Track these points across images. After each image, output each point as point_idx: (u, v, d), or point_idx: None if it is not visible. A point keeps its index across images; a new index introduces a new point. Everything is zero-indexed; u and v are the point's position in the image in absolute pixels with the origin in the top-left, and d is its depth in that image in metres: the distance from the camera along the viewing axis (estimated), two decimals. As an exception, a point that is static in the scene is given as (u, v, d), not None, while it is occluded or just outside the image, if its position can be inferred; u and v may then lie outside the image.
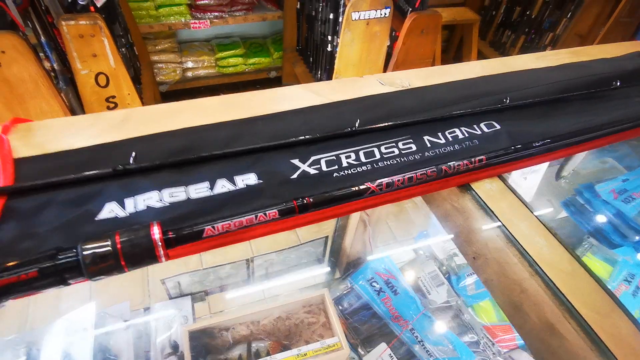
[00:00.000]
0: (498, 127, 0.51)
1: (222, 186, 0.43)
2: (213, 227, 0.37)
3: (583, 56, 0.70)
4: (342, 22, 1.81)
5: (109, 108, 1.83)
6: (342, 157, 0.47)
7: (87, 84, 1.72)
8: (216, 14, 2.18)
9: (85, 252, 0.32)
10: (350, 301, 0.82)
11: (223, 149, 0.46)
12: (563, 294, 0.37)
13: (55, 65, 1.79)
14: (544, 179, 0.74)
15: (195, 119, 0.50)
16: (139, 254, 0.34)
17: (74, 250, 0.32)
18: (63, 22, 1.54)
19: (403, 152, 0.48)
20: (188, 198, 0.41)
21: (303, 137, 0.46)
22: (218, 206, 0.41)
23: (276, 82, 2.54)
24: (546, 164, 0.71)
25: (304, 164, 0.46)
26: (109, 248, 0.33)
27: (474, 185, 0.45)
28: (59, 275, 0.32)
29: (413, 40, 1.70)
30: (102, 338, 0.73)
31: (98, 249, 0.33)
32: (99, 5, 1.67)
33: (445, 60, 2.17)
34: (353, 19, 1.63)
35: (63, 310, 0.74)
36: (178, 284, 0.79)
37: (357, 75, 2.00)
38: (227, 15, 2.20)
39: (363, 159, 0.47)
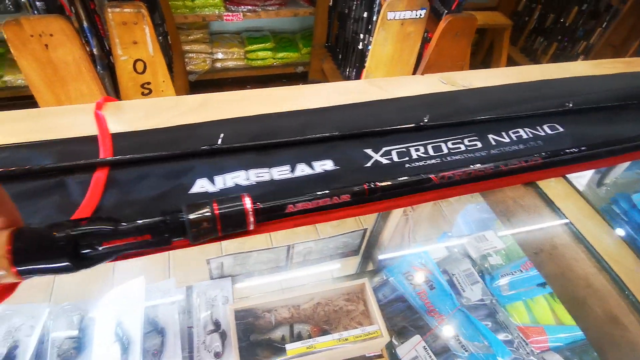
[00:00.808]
0: (561, 129, 0.53)
1: (302, 170, 0.45)
2: (294, 205, 0.39)
3: (637, 67, 0.71)
4: (375, 21, 1.83)
5: (143, 94, 1.88)
6: (412, 149, 0.49)
7: (125, 70, 1.77)
8: (249, 7, 2.21)
9: (190, 216, 0.35)
10: (385, 292, 0.84)
11: (298, 135, 0.48)
12: (629, 289, 0.38)
13: (94, 50, 1.84)
14: (584, 185, 0.75)
15: (266, 107, 0.53)
16: (232, 221, 0.36)
17: (181, 213, 0.35)
18: (109, 9, 1.58)
19: (469, 148, 0.50)
20: (272, 179, 0.44)
21: (380, 129, 0.49)
22: (299, 188, 0.44)
23: (302, 78, 2.57)
24: (591, 170, 0.72)
25: (376, 153, 0.48)
26: (209, 213, 0.36)
27: (540, 184, 0.47)
28: (166, 236, 0.35)
29: (446, 42, 1.70)
30: (150, 310, 0.77)
31: (200, 214, 0.35)
32: (142, -7, 1.71)
33: (472, 64, 2.17)
34: (388, 18, 1.65)
35: (115, 283, 0.78)
36: (221, 265, 0.82)
37: (388, 75, 2.02)
38: (260, 9, 2.23)
39: (431, 153, 0.49)
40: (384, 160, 0.47)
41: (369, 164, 0.47)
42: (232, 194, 0.42)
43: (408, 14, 1.63)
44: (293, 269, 0.89)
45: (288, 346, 0.67)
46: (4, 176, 0.41)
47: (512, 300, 0.87)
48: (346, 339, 0.68)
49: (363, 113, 0.53)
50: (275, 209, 0.38)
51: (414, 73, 1.87)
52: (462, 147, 0.50)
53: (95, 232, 0.33)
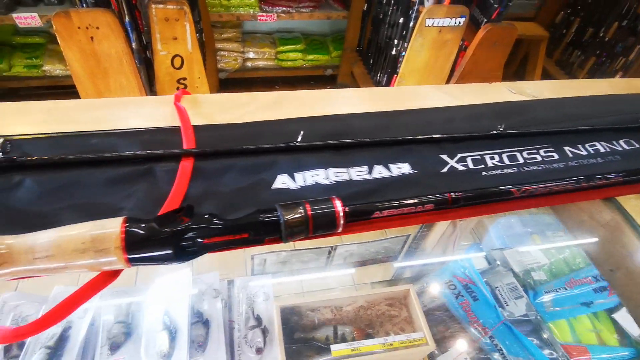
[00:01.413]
0: (637, 145, 0.52)
1: (379, 172, 0.45)
2: (380, 211, 0.39)
3: None
4: (412, 27, 1.83)
5: (178, 89, 1.91)
6: (487, 157, 0.48)
7: (163, 65, 1.80)
8: (284, 8, 2.24)
9: (286, 217, 0.36)
10: (425, 301, 0.83)
11: (372, 136, 0.49)
12: None
13: (133, 45, 1.88)
14: None
15: (342, 107, 0.53)
16: (323, 222, 0.37)
17: (276, 213, 0.36)
18: (153, 5, 1.62)
19: (545, 159, 0.49)
20: (350, 179, 0.44)
21: (455, 135, 0.49)
22: (377, 189, 0.44)
23: (331, 80, 2.58)
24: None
25: (451, 159, 0.48)
26: (302, 214, 0.36)
27: (620, 200, 0.46)
28: (261, 235, 0.36)
29: (483, 51, 1.69)
30: (195, 301, 0.78)
31: (294, 214, 0.36)
32: (184, -9, 1.74)
33: (505, 75, 2.15)
34: (426, 24, 1.64)
35: (162, 271, 0.80)
36: (264, 262, 0.83)
37: (421, 82, 2.01)
38: (293, 11, 2.25)
39: (507, 162, 0.48)
40: (460, 167, 0.47)
41: (445, 170, 0.47)
42: (313, 192, 0.43)
43: (447, 21, 1.62)
44: (332, 270, 0.89)
45: (333, 347, 0.67)
46: (98, 161, 0.42)
47: (555, 317, 0.85)
48: (391, 344, 0.68)
49: (435, 118, 0.53)
50: (363, 213, 0.38)
51: (447, 81, 1.86)
52: (538, 158, 0.49)
53: (200, 229, 0.34)
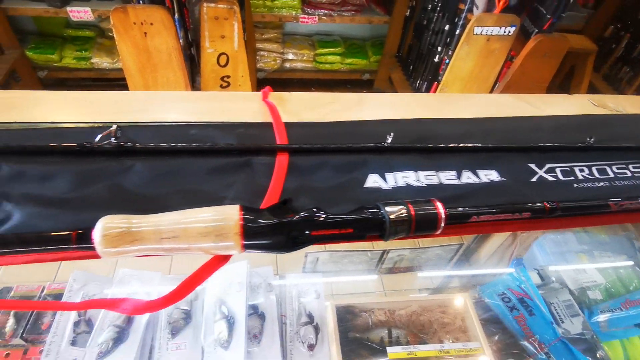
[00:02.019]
0: None
1: (468, 177, 0.45)
2: (477, 215, 0.40)
3: None
4: (458, 34, 1.81)
5: (221, 87, 1.96)
6: (576, 169, 0.48)
7: (209, 62, 1.85)
8: (326, 11, 2.26)
9: (390, 215, 0.36)
10: (477, 311, 0.82)
11: (458, 142, 0.49)
12: None
13: (181, 41, 1.93)
14: None
15: (418, 111, 0.54)
16: (425, 223, 0.37)
17: (380, 211, 0.37)
18: (204, 4, 1.67)
19: (635, 175, 0.48)
20: (440, 183, 0.45)
21: (544, 145, 0.48)
22: (466, 195, 0.44)
23: (367, 85, 2.58)
24: None
25: (540, 169, 0.47)
26: (406, 214, 0.37)
27: None
28: (364, 231, 0.37)
29: (532, 63, 1.65)
30: (249, 293, 0.80)
31: (398, 213, 0.37)
32: (236, -8, 1.78)
33: (549, 88, 2.09)
34: (474, 33, 1.62)
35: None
36: (316, 260, 0.84)
37: (464, 91, 1.98)
38: (335, 14, 2.27)
39: (597, 175, 0.47)
40: (549, 177, 0.47)
41: (534, 179, 0.46)
42: (403, 193, 0.43)
43: (496, 30, 1.60)
44: (381, 274, 0.89)
45: (389, 349, 0.67)
46: (201, 150, 0.44)
47: (609, 338, 0.82)
48: (447, 352, 0.67)
49: (520, 127, 0.53)
50: (461, 216, 0.39)
51: (490, 91, 1.83)
52: (628, 173, 0.48)
53: (310, 222, 0.35)
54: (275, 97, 0.54)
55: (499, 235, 0.80)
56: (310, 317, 0.79)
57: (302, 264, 0.86)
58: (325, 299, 0.78)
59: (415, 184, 0.44)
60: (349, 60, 2.45)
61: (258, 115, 0.50)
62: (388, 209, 0.37)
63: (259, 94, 0.53)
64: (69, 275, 0.80)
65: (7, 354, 0.71)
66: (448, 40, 1.90)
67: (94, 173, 0.40)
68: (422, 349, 0.67)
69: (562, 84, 2.31)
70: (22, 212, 0.36)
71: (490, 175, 0.46)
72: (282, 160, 0.44)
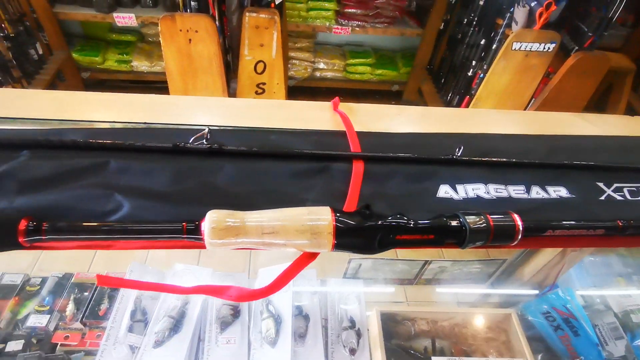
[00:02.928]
0: None
1: (537, 192, 0.47)
2: (553, 230, 0.41)
3: None
4: (494, 49, 1.81)
5: (257, 93, 2.01)
6: (645, 190, 0.48)
7: (246, 69, 1.91)
8: (359, 22, 2.30)
9: (471, 225, 0.38)
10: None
11: (521, 157, 0.50)
12: None
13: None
14: None
15: (479, 125, 0.56)
16: (502, 234, 0.39)
17: (459, 219, 0.38)
18: (247, 13, 1.73)
19: None
20: (510, 196, 0.46)
21: (611, 164, 0.49)
22: (536, 209, 0.45)
23: (396, 96, 2.60)
24: None
25: (608, 188, 0.48)
26: (485, 224, 0.38)
27: None
28: (444, 238, 0.38)
29: (571, 80, 1.64)
30: (296, 295, 0.82)
31: (477, 222, 0.38)
32: (277, 2, 1.85)
33: (585, 106, 2.05)
34: (512, 48, 1.62)
35: (267, 262, 0.84)
36: (358, 266, 0.86)
37: (498, 106, 1.97)
38: (368, 26, 2.31)
39: (666, 196, 0.48)
40: (617, 197, 0.47)
41: (602, 198, 0.47)
42: (475, 205, 0.45)
43: (535, 46, 1.59)
44: (419, 284, 0.90)
45: (434, 359, 0.68)
46: (283, 155, 0.47)
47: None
48: (492, 367, 0.67)
49: (585, 145, 0.54)
50: (537, 229, 0.40)
51: (525, 108, 1.82)
52: (698, 196, 0.48)
53: (397, 226, 0.37)
54: (343, 107, 0.57)
55: (545, 252, 0.80)
56: (352, 322, 0.81)
57: (343, 269, 0.87)
58: (366, 306, 0.79)
59: (486, 196, 0.46)
60: (379, 71, 2.47)
61: (329, 124, 0.53)
62: (468, 218, 0.38)
63: (328, 104, 0.56)
64: (122, 266, 0.85)
65: (67, 337, 0.76)
66: (483, 54, 1.91)
67: (189, 171, 0.44)
68: (467, 361, 0.68)
69: (598, 102, 2.27)
70: (130, 203, 0.40)
71: (559, 192, 0.47)
72: (358, 167, 0.47)
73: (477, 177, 0.47)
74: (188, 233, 0.36)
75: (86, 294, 0.80)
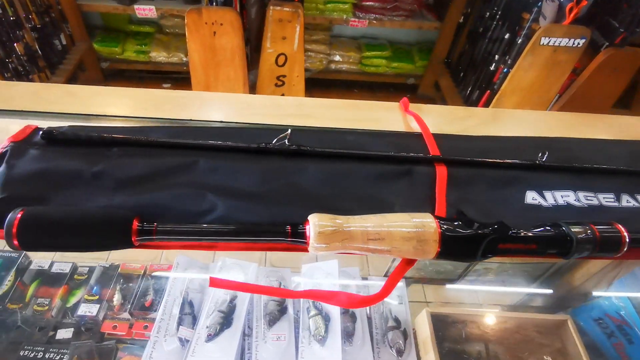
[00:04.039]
0: None
1: (627, 201, 0.46)
2: None
3: None
4: (519, 43, 1.78)
5: (276, 85, 1.99)
6: None
7: (267, 62, 1.88)
8: (376, 15, 2.26)
9: (578, 235, 0.37)
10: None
11: (605, 163, 0.49)
12: None
13: (239, 41, 1.95)
14: None
15: (555, 129, 0.54)
16: (608, 245, 0.38)
17: (563, 229, 0.37)
18: (271, 7, 1.70)
19: None
20: (600, 204, 0.45)
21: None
22: (628, 219, 0.44)
23: (411, 90, 2.57)
24: None
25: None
26: (591, 235, 0.37)
27: None
28: (547, 248, 0.37)
29: (600, 77, 1.61)
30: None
31: (583, 233, 0.37)
32: (294, -5, 1.81)
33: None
34: (541, 43, 1.59)
35: (311, 259, 0.84)
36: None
37: (523, 101, 1.94)
38: (386, 19, 2.27)
39: None
40: None
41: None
42: (565, 212, 0.44)
43: (564, 42, 1.56)
44: (462, 284, 0.89)
45: (490, 363, 0.68)
46: (365, 157, 0.46)
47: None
48: (550, 372, 0.67)
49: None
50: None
51: (550, 104, 1.79)
52: None
53: (501, 235, 0.36)
54: (413, 108, 0.56)
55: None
56: (397, 322, 0.80)
57: (385, 267, 0.87)
58: (409, 305, 0.79)
59: (577, 204, 0.45)
60: (395, 64, 2.44)
61: (401, 125, 0.52)
62: (573, 228, 0.37)
63: (396, 104, 0.55)
64: (164, 258, 0.84)
65: (115, 326, 0.76)
66: (507, 49, 1.88)
67: (275, 171, 0.43)
68: (523, 365, 0.67)
69: (622, 100, 2.24)
70: (223, 203, 0.39)
71: (649, 201, 0.46)
72: (441, 171, 0.45)
73: (565, 184, 0.46)
74: (293, 236, 0.35)
75: (132, 284, 0.80)
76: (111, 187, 0.41)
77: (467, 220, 0.37)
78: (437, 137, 0.50)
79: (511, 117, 0.56)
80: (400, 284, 0.88)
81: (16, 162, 0.43)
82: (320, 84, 2.54)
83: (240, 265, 0.79)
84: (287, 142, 0.45)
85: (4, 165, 0.42)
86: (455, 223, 0.36)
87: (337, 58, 2.50)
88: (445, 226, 0.35)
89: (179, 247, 0.37)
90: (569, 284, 0.85)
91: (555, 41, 1.57)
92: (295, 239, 0.35)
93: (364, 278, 0.87)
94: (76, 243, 0.35)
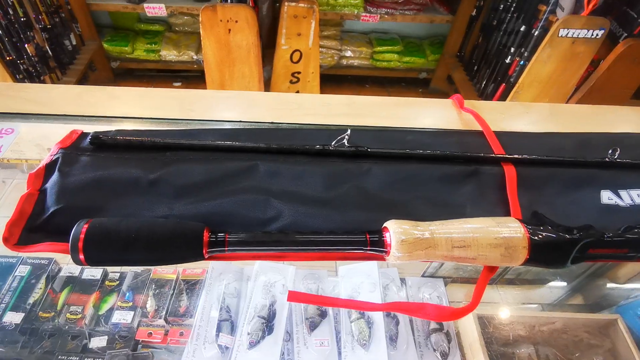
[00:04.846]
0: None
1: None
2: None
3: None
4: (536, 36, 1.75)
5: (291, 82, 1.97)
6: None
7: (282, 58, 1.86)
8: (388, 10, 2.23)
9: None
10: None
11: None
12: None
13: (251, 37, 1.92)
14: None
15: (618, 124, 0.52)
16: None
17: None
18: (286, 3, 1.68)
19: None
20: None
21: None
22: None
23: (423, 84, 2.55)
24: None
25: None
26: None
27: None
28: (638, 252, 0.36)
29: (620, 68, 1.59)
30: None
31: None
32: (310, -9, 1.78)
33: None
34: (559, 35, 1.56)
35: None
36: (440, 265, 0.83)
37: (541, 94, 1.92)
38: (397, 13, 2.24)
39: None
40: None
41: None
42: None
43: (583, 33, 1.54)
44: (497, 284, 0.87)
45: (539, 364, 0.66)
46: (429, 157, 0.44)
47: None
48: (602, 373, 0.65)
49: None
50: None
51: (569, 96, 1.77)
52: None
53: (593, 240, 0.34)
54: (467, 105, 0.54)
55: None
56: (440, 323, 0.78)
57: (422, 268, 0.85)
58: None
59: (651, 202, 0.43)
60: (406, 59, 2.41)
61: (458, 123, 0.50)
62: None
63: (449, 101, 0.53)
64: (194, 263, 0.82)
65: (150, 333, 0.74)
66: (523, 41, 1.85)
67: (338, 174, 0.41)
68: (574, 367, 0.65)
69: (638, 92, 2.21)
70: (290, 209, 0.37)
71: None
72: (510, 172, 0.44)
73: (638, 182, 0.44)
74: (372, 245, 0.33)
75: (164, 290, 0.78)
76: (170, 195, 0.39)
77: (553, 224, 0.35)
78: (499, 134, 0.48)
79: (568, 112, 0.54)
80: (439, 282, 0.87)
81: (69, 170, 0.41)
82: (332, 80, 2.51)
83: (278, 268, 0.78)
84: (346, 143, 0.43)
85: (56, 173, 0.41)
86: (542, 228, 0.34)
87: (349, 53, 2.47)
88: (533, 231, 0.33)
89: (248, 259, 0.35)
90: (613, 281, 0.84)
91: (574, 32, 1.54)
92: (374, 247, 0.33)
93: (402, 279, 0.86)
94: (145, 257, 0.33)
